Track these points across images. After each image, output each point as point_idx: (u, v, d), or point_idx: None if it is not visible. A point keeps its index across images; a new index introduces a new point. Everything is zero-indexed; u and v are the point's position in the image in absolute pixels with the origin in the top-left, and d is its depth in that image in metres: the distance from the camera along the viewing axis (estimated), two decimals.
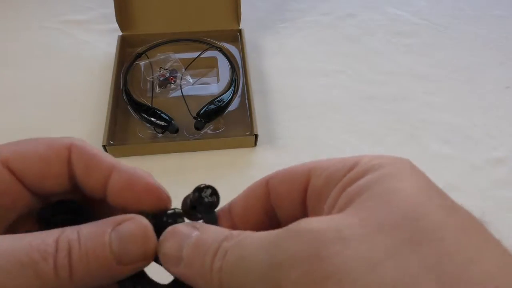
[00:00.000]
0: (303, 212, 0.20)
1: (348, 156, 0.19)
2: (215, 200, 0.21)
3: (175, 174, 0.54)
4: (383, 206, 0.15)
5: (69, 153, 0.20)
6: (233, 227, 0.21)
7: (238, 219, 0.22)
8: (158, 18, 0.68)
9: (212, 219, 0.21)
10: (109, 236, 0.18)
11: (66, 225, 0.19)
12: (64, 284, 0.17)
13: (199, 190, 0.21)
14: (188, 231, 0.19)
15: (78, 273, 0.17)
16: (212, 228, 0.19)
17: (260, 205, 0.21)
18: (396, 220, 0.15)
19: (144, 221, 0.19)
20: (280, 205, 0.21)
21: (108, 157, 0.21)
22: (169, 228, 0.19)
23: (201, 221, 0.21)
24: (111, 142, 0.54)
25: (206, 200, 0.21)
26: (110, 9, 0.66)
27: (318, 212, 0.19)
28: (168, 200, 0.21)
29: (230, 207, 0.22)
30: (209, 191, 0.21)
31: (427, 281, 0.13)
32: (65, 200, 0.22)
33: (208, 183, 0.21)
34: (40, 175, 0.20)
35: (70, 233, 0.18)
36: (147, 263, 0.19)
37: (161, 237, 0.19)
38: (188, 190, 0.22)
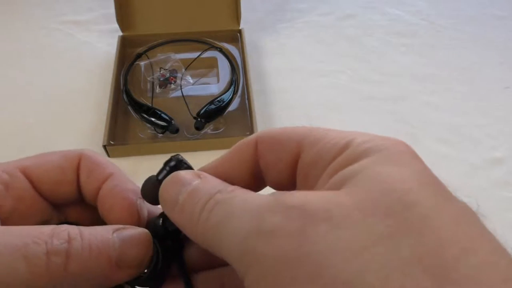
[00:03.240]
0: (292, 182, 0.19)
1: (340, 132, 0.18)
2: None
3: None
4: (376, 191, 0.15)
5: (78, 161, 0.22)
6: None
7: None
8: (158, 18, 0.68)
9: None
10: (112, 236, 0.18)
11: None
12: (57, 273, 0.17)
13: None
14: (190, 179, 0.19)
15: (76, 265, 0.17)
16: (212, 180, 0.19)
17: (246, 167, 0.20)
18: (389, 206, 0.14)
19: (144, 230, 0.20)
20: (268, 172, 0.20)
21: (110, 166, 0.22)
22: (173, 174, 0.19)
23: None
24: (111, 142, 0.54)
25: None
26: (110, 10, 0.66)
27: (306, 187, 0.18)
28: (139, 219, 0.21)
29: (214, 165, 0.21)
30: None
31: (416, 270, 0.13)
32: (69, 222, 0.22)
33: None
34: (55, 182, 0.22)
35: (69, 227, 0.18)
36: (140, 271, 0.19)
37: (164, 181, 0.19)
38: None
